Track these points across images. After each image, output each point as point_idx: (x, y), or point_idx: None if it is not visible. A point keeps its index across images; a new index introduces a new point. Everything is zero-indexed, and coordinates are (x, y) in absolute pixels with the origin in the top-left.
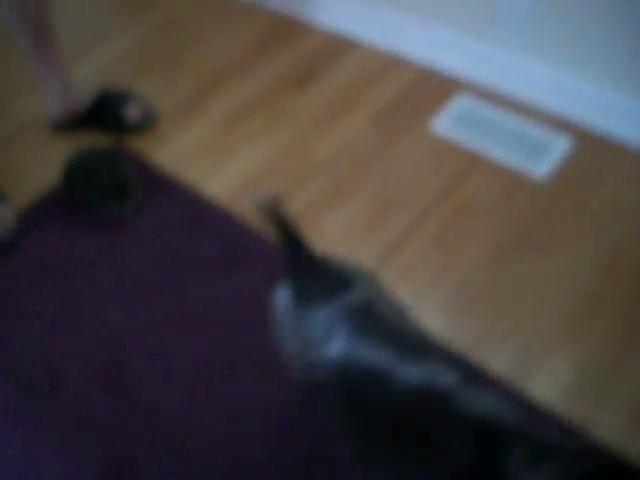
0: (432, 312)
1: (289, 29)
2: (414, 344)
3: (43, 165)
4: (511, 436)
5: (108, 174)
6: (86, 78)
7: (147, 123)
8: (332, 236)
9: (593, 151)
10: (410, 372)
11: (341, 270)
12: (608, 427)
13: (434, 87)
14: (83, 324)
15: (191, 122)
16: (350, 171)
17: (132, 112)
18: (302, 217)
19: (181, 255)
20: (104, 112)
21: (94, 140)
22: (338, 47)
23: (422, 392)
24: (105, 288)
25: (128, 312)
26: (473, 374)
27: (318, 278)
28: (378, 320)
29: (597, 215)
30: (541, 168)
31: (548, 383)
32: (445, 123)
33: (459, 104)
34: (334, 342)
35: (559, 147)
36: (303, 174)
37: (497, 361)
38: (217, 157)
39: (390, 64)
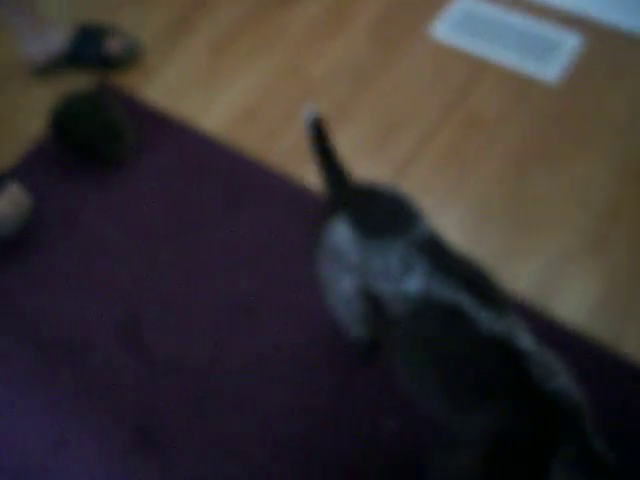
0: (448, 232)
1: None
2: (489, 293)
3: (27, 115)
4: (573, 428)
5: (98, 117)
6: (60, 16)
7: (132, 56)
8: None
9: (606, 48)
10: (490, 321)
11: (395, 199)
12: (637, 339)
13: None
14: (93, 282)
15: (177, 53)
16: (350, 90)
17: (114, 45)
18: (304, 143)
19: (185, 197)
20: (85, 50)
21: (78, 81)
22: None
23: (501, 343)
24: (111, 240)
25: (136, 263)
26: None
27: (378, 209)
28: (450, 257)
29: (614, 117)
30: (552, 70)
31: (573, 300)
32: (446, 28)
33: (459, 6)
34: (413, 278)
35: (569, 46)
36: (300, 98)
37: (519, 281)
38: (209, 88)
39: None
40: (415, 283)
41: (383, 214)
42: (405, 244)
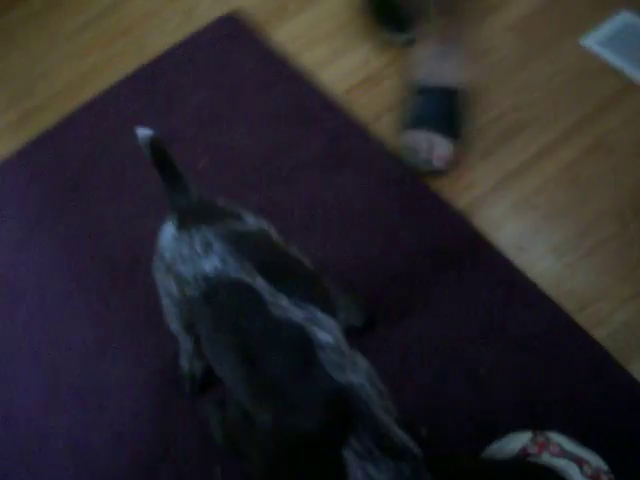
0: (542, 257)
1: None
2: (297, 281)
3: None
4: (365, 418)
5: None
6: None
7: None
8: None
9: None
10: (285, 306)
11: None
12: None
13: None
14: None
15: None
16: (484, 80)
17: None
18: None
19: (286, 148)
20: None
21: None
22: None
23: (294, 330)
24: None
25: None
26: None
27: (205, 210)
28: (261, 249)
29: None
30: None
31: None
32: (599, 39)
33: (620, 20)
34: (209, 259)
35: None
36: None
37: (603, 330)
38: (340, 42)
39: None
40: (212, 264)
41: (204, 213)
42: (211, 232)
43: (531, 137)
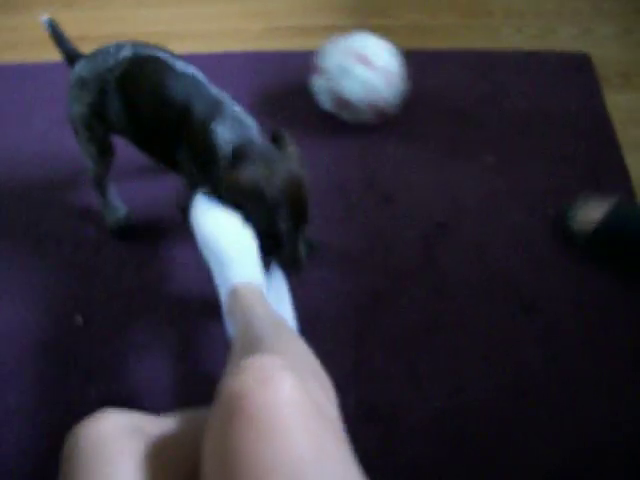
0: None
1: None
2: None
3: None
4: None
5: None
6: None
7: None
8: None
9: None
10: (182, 66)
11: None
12: None
13: None
14: None
15: None
16: None
17: None
18: None
19: (560, 195)
20: None
21: None
22: None
23: (189, 77)
24: None
25: None
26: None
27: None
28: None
29: None
30: None
31: None
32: None
33: None
34: (122, 51)
35: None
36: None
37: None
38: None
39: None
40: (123, 53)
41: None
42: (118, 44)
43: None
